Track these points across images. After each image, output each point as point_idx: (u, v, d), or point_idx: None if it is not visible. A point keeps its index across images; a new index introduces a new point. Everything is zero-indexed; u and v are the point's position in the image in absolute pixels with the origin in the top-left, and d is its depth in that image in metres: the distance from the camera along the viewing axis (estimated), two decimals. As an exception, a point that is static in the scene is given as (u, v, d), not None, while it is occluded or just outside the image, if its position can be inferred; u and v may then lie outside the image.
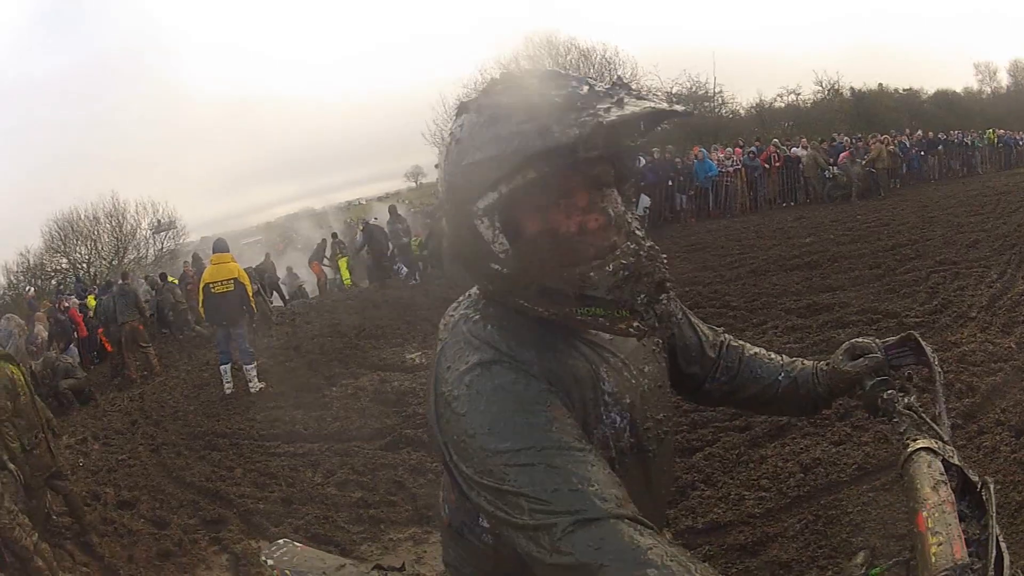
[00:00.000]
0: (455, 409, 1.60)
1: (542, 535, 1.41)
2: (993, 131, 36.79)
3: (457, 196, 1.69)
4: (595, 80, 1.63)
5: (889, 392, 2.02)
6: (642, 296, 1.63)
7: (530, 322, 1.70)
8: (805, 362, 2.25)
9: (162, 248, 40.03)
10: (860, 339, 2.15)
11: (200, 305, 13.05)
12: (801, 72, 56.15)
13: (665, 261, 1.69)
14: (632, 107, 1.53)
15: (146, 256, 39.32)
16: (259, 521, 7.11)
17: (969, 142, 35.74)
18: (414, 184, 56.88)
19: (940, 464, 1.67)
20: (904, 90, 50.86)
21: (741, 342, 2.34)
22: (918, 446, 1.74)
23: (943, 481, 1.60)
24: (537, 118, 1.54)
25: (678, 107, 1.65)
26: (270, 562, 2.72)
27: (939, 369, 2.04)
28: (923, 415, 1.92)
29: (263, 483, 8.10)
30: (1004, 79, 55.74)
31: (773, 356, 2.30)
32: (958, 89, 53.08)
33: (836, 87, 49.52)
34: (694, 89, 44.67)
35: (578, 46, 41.84)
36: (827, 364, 2.17)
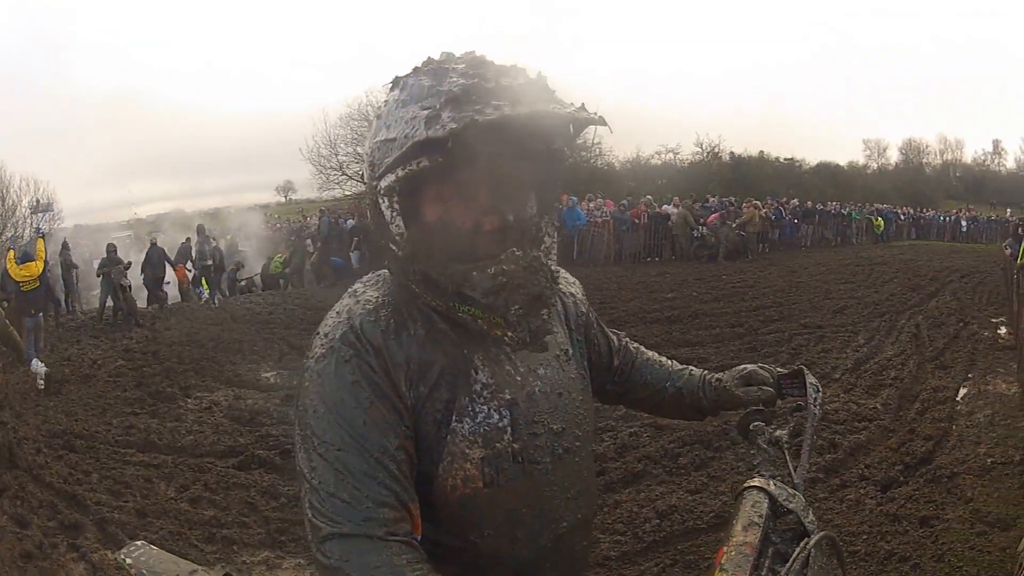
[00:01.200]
0: (304, 380, 1.72)
1: (311, 530, 1.58)
2: (877, 217, 38.96)
3: (369, 171, 1.76)
4: (521, 71, 1.70)
5: (757, 424, 2.15)
6: (516, 307, 1.68)
7: (411, 303, 1.78)
8: (694, 372, 2.39)
9: (38, 230, 38.45)
10: (760, 368, 2.29)
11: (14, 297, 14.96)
12: (683, 133, 58.49)
13: (553, 275, 1.77)
14: (522, 110, 1.57)
15: (22, 236, 37.48)
16: (115, 531, 6.99)
17: (846, 213, 38.11)
18: (284, 199, 56.08)
19: (767, 506, 1.81)
20: (785, 159, 53.38)
21: (636, 345, 2.46)
22: (752, 484, 1.87)
23: (757, 524, 1.74)
24: (435, 105, 1.60)
25: (584, 113, 1.67)
26: (128, 560, 2.77)
27: (815, 410, 2.14)
28: (785, 452, 2.06)
29: (118, 491, 7.98)
30: (894, 156, 59.72)
31: (665, 363, 2.44)
32: (842, 163, 56.38)
33: (716, 150, 51.51)
34: (573, 138, 45.65)
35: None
36: (718, 380, 2.31)
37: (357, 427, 1.63)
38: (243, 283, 26.98)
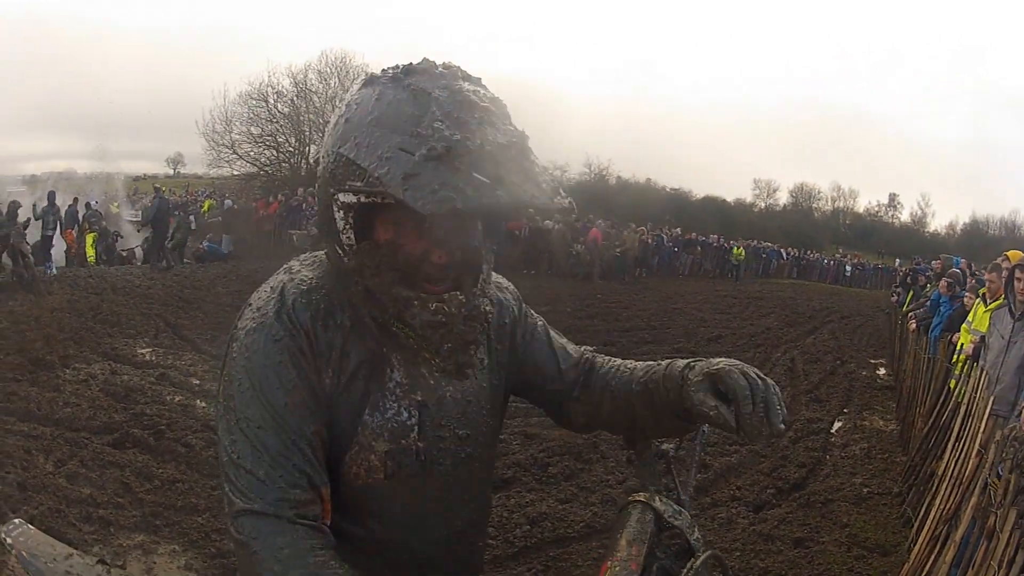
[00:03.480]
0: (232, 351, 1.78)
1: (227, 503, 1.65)
2: (740, 248, 40.10)
3: (325, 174, 1.75)
4: (508, 125, 1.68)
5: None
6: (448, 346, 1.76)
7: (342, 291, 1.82)
8: (671, 362, 1.97)
9: None
10: (735, 371, 1.77)
11: None
12: (572, 151, 59.37)
13: (487, 317, 1.84)
14: (504, 197, 1.54)
15: None
16: (-2, 503, 6.95)
17: (728, 247, 39.46)
18: (172, 172, 55.05)
19: (653, 522, 1.80)
20: (672, 189, 54.61)
21: (605, 356, 2.22)
22: (638, 498, 1.86)
23: (642, 540, 1.74)
24: (416, 154, 1.56)
25: (559, 202, 1.65)
26: (8, 540, 2.76)
27: (704, 428, 2.03)
28: (672, 467, 2.03)
29: (0, 462, 7.67)
30: (783, 198, 61.95)
31: (636, 366, 2.11)
32: (729, 199, 58.12)
33: (604, 173, 52.28)
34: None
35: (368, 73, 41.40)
36: (688, 369, 1.87)
37: (278, 408, 1.68)
38: (124, 253, 26.63)
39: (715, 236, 40.32)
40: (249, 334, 1.74)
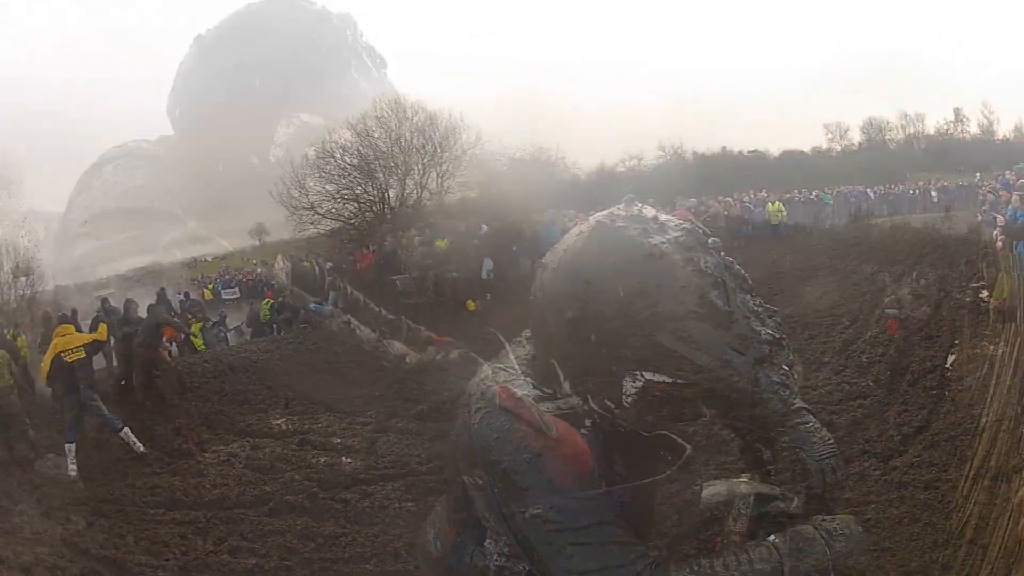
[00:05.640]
0: (516, 482, 1.91)
1: None
2: (775, 202, 39.21)
3: (615, 346, 1.98)
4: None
5: None
6: None
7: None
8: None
9: (23, 295, 36.80)
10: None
11: (44, 376, 12.49)
12: (644, 137, 58.65)
13: None
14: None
15: (9, 301, 36.04)
16: (160, 591, 6.77)
17: (814, 197, 39.19)
18: (258, 243, 55.57)
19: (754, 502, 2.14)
20: (749, 152, 53.62)
21: None
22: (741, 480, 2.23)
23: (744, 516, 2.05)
24: (747, 354, 1.89)
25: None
26: None
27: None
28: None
29: (157, 551, 8.05)
30: (856, 137, 60.32)
31: None
32: (806, 149, 56.87)
33: (679, 151, 51.57)
34: (536, 155, 44.97)
35: (425, 109, 40.56)
36: None
37: (600, 500, 1.89)
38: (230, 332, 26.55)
39: (802, 191, 40.10)
40: (533, 464, 1.88)
